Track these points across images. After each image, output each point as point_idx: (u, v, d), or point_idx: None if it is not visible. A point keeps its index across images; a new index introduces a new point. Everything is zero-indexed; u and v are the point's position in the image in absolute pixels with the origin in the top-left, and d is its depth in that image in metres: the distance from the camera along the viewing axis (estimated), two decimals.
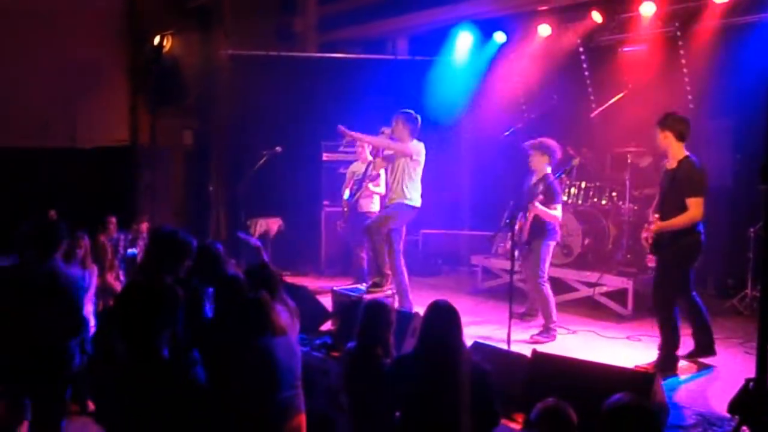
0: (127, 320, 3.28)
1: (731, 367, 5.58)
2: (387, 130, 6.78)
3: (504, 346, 5.54)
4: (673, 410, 4.62)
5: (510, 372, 4.72)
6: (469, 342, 4.44)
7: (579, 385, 4.27)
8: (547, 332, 6.42)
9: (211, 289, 4.24)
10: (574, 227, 7.78)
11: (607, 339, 6.52)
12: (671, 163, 5.48)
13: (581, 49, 9.28)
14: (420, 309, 5.81)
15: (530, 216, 6.43)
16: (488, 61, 10.12)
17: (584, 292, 7.59)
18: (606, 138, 8.58)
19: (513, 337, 5.80)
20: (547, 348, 5.82)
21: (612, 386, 3.45)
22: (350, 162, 8.66)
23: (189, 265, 4.26)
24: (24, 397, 4.38)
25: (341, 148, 9.80)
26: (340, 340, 5.66)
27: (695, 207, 5.26)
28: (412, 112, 6.75)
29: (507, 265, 6.88)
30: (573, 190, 8.41)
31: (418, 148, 6.65)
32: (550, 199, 6.42)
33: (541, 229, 6.49)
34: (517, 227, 6.40)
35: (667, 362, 5.43)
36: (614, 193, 8.20)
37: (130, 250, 7.94)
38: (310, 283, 8.45)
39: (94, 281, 6.19)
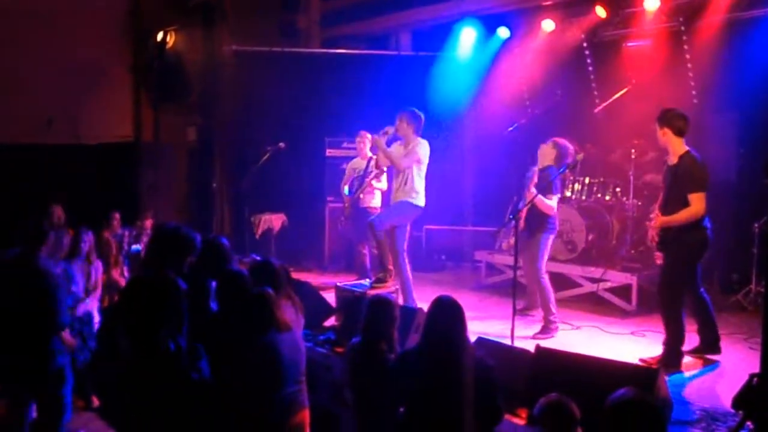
0: (130, 315, 3.28)
1: (735, 363, 5.57)
2: (390, 129, 6.76)
3: (507, 342, 5.54)
4: (677, 405, 4.61)
5: (513, 367, 4.72)
6: (472, 338, 4.44)
7: (583, 380, 4.26)
8: (548, 327, 6.41)
9: (213, 285, 4.25)
10: (577, 223, 7.77)
11: (611, 334, 6.51)
12: (672, 159, 5.47)
13: (585, 45, 9.26)
14: (424, 305, 5.83)
15: (525, 207, 6.41)
16: (492, 57, 10.09)
17: (588, 287, 7.58)
18: (610, 133, 8.55)
19: (516, 332, 5.79)
20: (551, 343, 5.81)
21: (616, 382, 3.45)
22: (354, 158, 8.65)
23: (192, 261, 4.26)
24: (25, 396, 4.37)
25: (344, 144, 9.82)
26: (344, 335, 5.67)
27: (697, 202, 5.25)
28: (415, 110, 6.75)
29: (510, 260, 6.90)
30: (577, 186, 8.39)
31: (425, 149, 6.66)
32: (546, 190, 6.40)
33: (541, 221, 6.48)
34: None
35: (671, 358, 5.42)
36: (618, 189, 8.19)
37: (134, 247, 7.95)
38: (313, 278, 8.44)
39: (100, 277, 6.19)
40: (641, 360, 5.47)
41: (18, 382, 4.26)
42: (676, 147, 5.42)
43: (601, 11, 8.67)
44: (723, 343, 5.71)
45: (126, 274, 7.53)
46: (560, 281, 7.61)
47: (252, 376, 3.76)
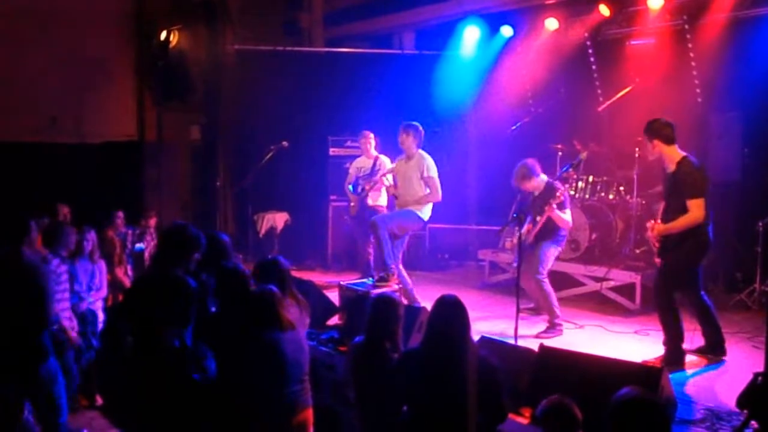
0: (137, 314, 3.28)
1: (739, 362, 5.56)
2: (370, 135, 6.91)
3: (511, 341, 5.54)
4: (681, 405, 4.61)
5: (517, 367, 4.72)
6: (476, 337, 4.44)
7: (586, 379, 4.26)
8: (553, 328, 6.41)
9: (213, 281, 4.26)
10: (581, 222, 7.75)
11: (614, 333, 6.51)
12: (670, 167, 5.47)
13: (588, 43, 9.24)
14: (427, 303, 5.83)
15: (542, 219, 6.40)
16: (495, 56, 10.09)
17: (592, 286, 7.58)
18: (613, 132, 8.54)
19: (520, 331, 5.79)
20: (555, 342, 5.81)
21: (620, 381, 3.44)
22: (357, 157, 8.65)
23: (198, 259, 4.28)
24: (17, 395, 4.32)
25: (348, 143, 9.82)
26: (347, 334, 5.67)
27: (696, 208, 5.25)
28: (417, 124, 6.91)
29: (514, 259, 6.87)
30: (580, 185, 8.38)
31: (433, 165, 6.83)
32: (560, 205, 6.40)
33: (550, 232, 6.48)
34: (524, 230, 6.40)
35: (674, 356, 5.42)
36: (622, 188, 8.18)
37: (137, 245, 7.96)
38: (316, 277, 8.44)
39: (104, 277, 6.20)
40: (645, 362, 5.45)
41: (8, 381, 4.21)
42: (672, 154, 5.43)
43: (604, 10, 8.66)
44: (727, 342, 5.70)
45: (130, 272, 7.55)
46: (564, 280, 7.61)
47: (255, 373, 3.76)
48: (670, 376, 4.63)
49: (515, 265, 6.43)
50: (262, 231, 9.64)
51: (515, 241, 6.37)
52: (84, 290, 5.93)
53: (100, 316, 5.99)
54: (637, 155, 7.76)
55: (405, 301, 6.65)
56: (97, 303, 6.04)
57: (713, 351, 5.66)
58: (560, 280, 7.47)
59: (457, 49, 10.22)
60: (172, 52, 10.22)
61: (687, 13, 8.17)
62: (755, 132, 7.79)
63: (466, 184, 10.42)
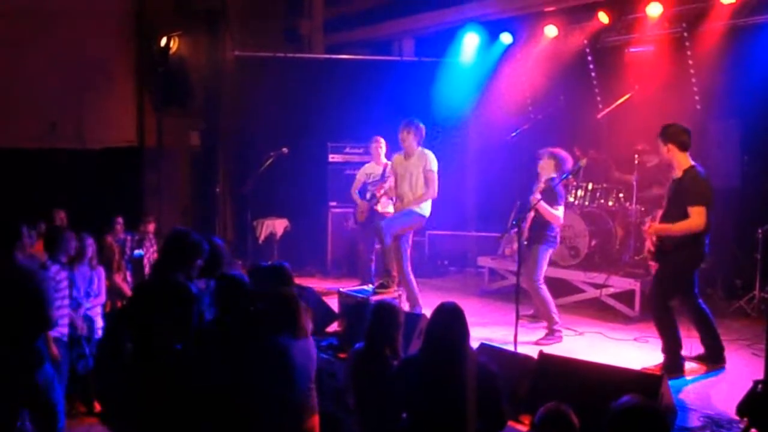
0: (138, 320, 3.28)
1: (739, 369, 5.55)
2: (381, 140, 6.86)
3: (511, 348, 5.53)
4: (680, 412, 4.60)
5: (517, 374, 4.72)
6: (475, 343, 4.44)
7: (586, 386, 4.26)
8: (552, 335, 6.40)
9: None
10: (580, 228, 7.76)
11: (614, 340, 6.50)
12: (677, 173, 5.48)
13: (588, 50, 9.27)
14: (427, 311, 5.82)
15: (530, 214, 6.40)
16: (495, 63, 10.12)
17: (591, 293, 7.57)
18: (613, 139, 8.56)
19: (520, 338, 5.78)
20: (554, 349, 5.81)
21: (619, 388, 3.44)
22: (357, 163, 8.66)
23: (200, 266, 4.28)
24: (13, 403, 4.29)
25: (347, 150, 9.84)
26: (347, 341, 5.66)
27: (696, 216, 5.24)
28: (418, 121, 6.80)
29: (514, 266, 6.88)
30: (580, 192, 8.39)
31: (435, 161, 6.72)
32: (552, 201, 6.39)
33: (541, 233, 6.47)
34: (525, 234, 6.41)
35: (673, 364, 5.42)
36: (621, 195, 8.18)
37: (137, 251, 7.96)
38: (316, 284, 8.45)
39: (103, 283, 6.19)
40: (644, 369, 5.45)
41: (4, 387, 4.19)
42: (681, 161, 5.42)
43: (603, 17, 8.68)
44: (726, 350, 5.70)
45: (129, 278, 7.54)
46: (563, 287, 7.61)
47: (261, 379, 3.76)
48: (670, 383, 4.63)
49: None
50: (262, 237, 9.64)
51: (515, 247, 6.37)
52: (82, 296, 5.91)
53: (99, 323, 5.98)
54: (636, 162, 7.77)
55: (408, 305, 6.66)
56: (95, 309, 6.03)
57: (713, 360, 5.65)
58: (560, 287, 7.47)
59: (457, 56, 10.24)
60: (172, 58, 10.24)
61: (686, 20, 8.20)
62: (754, 139, 7.81)
63: (465, 190, 10.43)
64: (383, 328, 4.16)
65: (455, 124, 9.96)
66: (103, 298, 6.13)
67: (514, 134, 8.48)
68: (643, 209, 7.78)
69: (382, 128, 8.49)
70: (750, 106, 7.70)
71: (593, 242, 7.80)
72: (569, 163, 6.67)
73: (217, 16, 10.99)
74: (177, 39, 10.20)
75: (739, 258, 7.66)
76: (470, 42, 10.08)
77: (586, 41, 9.22)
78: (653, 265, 5.67)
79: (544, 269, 6.59)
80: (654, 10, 8.15)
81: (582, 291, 7.66)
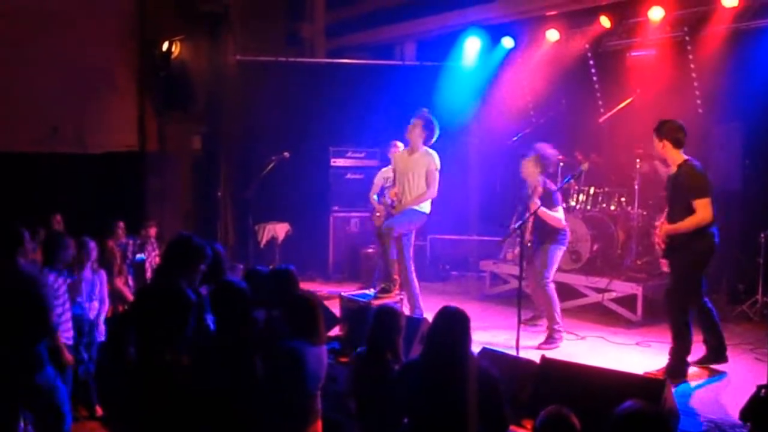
0: (139, 324, 3.28)
1: (742, 374, 5.54)
2: (399, 144, 6.75)
3: (513, 352, 5.52)
4: (683, 417, 4.59)
5: (519, 378, 4.70)
6: (477, 348, 4.42)
7: (588, 391, 4.25)
8: (552, 337, 6.39)
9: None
10: (582, 233, 7.75)
11: (616, 345, 6.49)
12: (672, 169, 5.51)
13: (589, 54, 9.27)
14: (428, 315, 5.81)
15: (530, 218, 6.37)
16: (496, 67, 10.12)
17: (593, 297, 7.56)
18: (614, 143, 8.55)
19: (522, 342, 5.78)
20: (556, 354, 5.79)
21: (622, 393, 3.43)
22: (359, 168, 8.65)
23: (203, 271, 4.29)
24: (15, 407, 4.28)
25: (349, 154, 9.84)
26: (348, 345, 5.66)
27: (702, 208, 5.24)
28: (433, 119, 6.60)
29: (515, 270, 6.86)
30: (581, 196, 8.38)
31: (438, 161, 6.59)
32: (549, 204, 6.38)
33: (551, 233, 6.45)
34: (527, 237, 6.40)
35: (677, 368, 5.39)
36: (623, 199, 8.18)
37: (138, 256, 7.95)
38: (317, 288, 8.44)
39: (105, 287, 6.18)
40: (647, 374, 5.43)
41: (4, 391, 4.18)
42: (675, 157, 5.44)
43: (605, 21, 8.69)
44: (729, 354, 5.68)
45: (131, 283, 7.54)
46: (565, 291, 7.59)
47: (274, 383, 3.77)
48: (673, 388, 4.61)
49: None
50: (263, 241, 9.63)
51: (517, 252, 6.35)
52: (84, 300, 5.91)
53: (101, 327, 5.97)
54: (638, 166, 7.77)
55: (408, 308, 6.64)
56: (97, 313, 6.02)
57: (715, 358, 5.63)
58: (562, 291, 7.43)
59: (459, 60, 10.25)
60: (174, 62, 10.25)
61: (688, 24, 8.20)
62: (756, 143, 7.80)
63: (467, 194, 10.43)
64: (384, 333, 4.16)
65: (457, 128, 9.95)
66: (106, 302, 6.11)
67: (515, 138, 8.47)
68: (645, 213, 7.77)
69: (383, 132, 8.50)
70: (752, 109, 7.69)
71: (595, 246, 7.79)
72: (552, 165, 6.62)
73: (219, 20, 11.00)
74: (179, 43, 10.21)
75: (741, 262, 7.64)
76: (472, 46, 10.09)
77: (587, 45, 9.22)
78: (664, 263, 5.64)
79: (554, 268, 6.57)
80: (656, 14, 8.15)
81: (584, 295, 7.65)
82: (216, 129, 11.06)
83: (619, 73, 8.86)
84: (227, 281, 4.26)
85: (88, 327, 5.79)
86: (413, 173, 6.61)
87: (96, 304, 5.97)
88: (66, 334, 5.25)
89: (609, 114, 8.37)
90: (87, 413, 5.65)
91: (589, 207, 8.29)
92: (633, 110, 8.18)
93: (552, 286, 6.49)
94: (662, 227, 5.52)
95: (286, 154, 8.30)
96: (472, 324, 3.77)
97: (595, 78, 9.30)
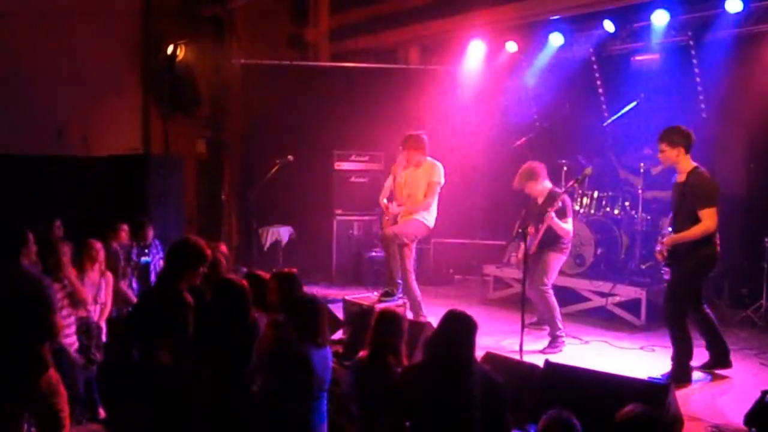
0: (142, 327, 3.29)
1: (746, 379, 5.53)
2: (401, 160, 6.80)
3: (516, 357, 5.51)
4: (687, 422, 4.57)
5: (522, 382, 4.69)
6: (481, 352, 4.42)
7: (592, 395, 4.24)
8: (555, 342, 6.37)
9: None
10: (586, 237, 7.74)
11: (620, 349, 6.47)
12: (681, 177, 5.46)
13: (594, 58, 9.27)
14: (431, 318, 5.81)
15: (543, 228, 6.37)
16: (500, 71, 10.12)
17: (597, 302, 7.55)
18: (619, 147, 8.55)
19: (525, 347, 5.76)
20: (560, 358, 5.78)
21: (626, 397, 3.42)
22: (363, 171, 8.64)
23: (204, 272, 4.30)
24: (17, 409, 4.28)
25: (353, 157, 9.84)
26: (352, 348, 5.64)
27: (708, 218, 5.23)
28: (418, 134, 6.73)
29: (519, 274, 6.86)
30: (585, 200, 8.37)
31: (441, 172, 6.64)
32: (561, 214, 6.37)
33: (554, 240, 6.44)
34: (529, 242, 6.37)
35: (681, 373, 5.38)
36: (627, 203, 8.17)
37: (143, 258, 7.96)
38: (321, 291, 8.44)
39: (110, 290, 6.18)
40: (651, 379, 5.42)
41: (7, 393, 4.17)
42: (685, 164, 5.41)
43: (609, 25, 8.69)
44: (733, 359, 5.67)
45: (134, 285, 7.54)
46: (569, 295, 7.58)
47: (282, 386, 3.78)
48: (676, 392, 4.60)
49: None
50: (267, 244, 9.63)
51: (520, 256, 6.34)
52: (90, 302, 5.91)
53: (104, 329, 5.98)
54: (642, 170, 7.76)
55: (411, 314, 6.64)
56: (101, 316, 6.03)
57: (719, 363, 5.62)
58: (565, 296, 7.44)
59: (462, 64, 10.25)
60: (178, 65, 10.28)
61: (691, 29, 8.21)
62: (760, 147, 7.79)
63: (470, 198, 10.41)
64: (386, 336, 4.16)
65: (461, 132, 9.96)
66: (108, 305, 6.12)
67: (519, 142, 8.47)
68: (649, 217, 7.76)
69: (387, 136, 8.50)
70: (756, 114, 7.69)
71: (599, 251, 7.78)
72: (544, 171, 6.61)
73: (223, 24, 11.05)
74: (183, 46, 10.24)
75: (745, 267, 7.64)
76: (476, 50, 10.09)
77: (591, 49, 9.22)
78: (667, 271, 5.64)
79: (554, 276, 6.57)
80: (660, 19, 8.16)
81: (588, 300, 7.64)
82: (220, 132, 11.09)
83: (623, 77, 8.86)
84: (227, 279, 4.28)
85: (96, 329, 5.80)
86: (416, 184, 6.71)
87: (100, 307, 5.98)
88: (69, 339, 5.26)
89: (613, 118, 8.36)
90: (89, 415, 5.65)
91: (593, 211, 8.28)
92: (637, 114, 8.17)
93: (551, 293, 6.49)
94: (667, 237, 5.51)
95: (290, 157, 8.30)
96: None
97: (599, 82, 9.30)
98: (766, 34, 7.78)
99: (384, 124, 9.35)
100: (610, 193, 8.30)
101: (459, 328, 3.71)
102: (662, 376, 5.44)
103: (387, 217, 7.64)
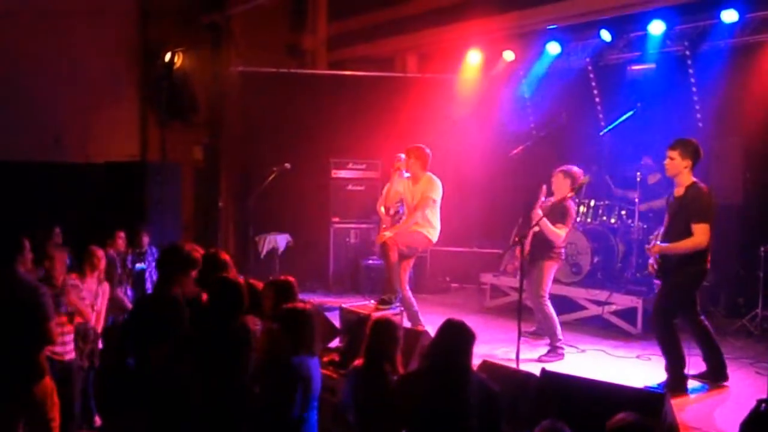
0: (137, 334, 3.29)
1: (742, 388, 5.52)
2: (400, 165, 6.78)
3: (513, 365, 5.50)
4: (683, 431, 4.57)
5: (519, 391, 4.68)
6: (477, 360, 4.42)
7: (588, 404, 4.23)
8: (554, 351, 6.37)
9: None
10: (583, 245, 7.76)
11: (616, 358, 6.47)
12: (679, 191, 5.44)
13: (590, 68, 9.31)
14: (429, 327, 5.80)
15: (532, 225, 6.35)
16: (497, 79, 10.15)
17: (593, 310, 7.56)
18: (615, 156, 8.57)
19: (522, 355, 5.75)
20: (556, 367, 5.78)
21: (622, 406, 3.41)
22: (360, 179, 8.65)
23: (195, 277, 4.30)
24: (12, 415, 4.27)
25: (350, 165, 9.85)
26: (348, 357, 5.63)
27: (700, 233, 5.22)
28: (422, 146, 6.71)
29: (516, 283, 6.86)
30: (582, 209, 8.39)
31: (438, 188, 6.62)
32: (559, 219, 6.37)
33: (545, 249, 6.44)
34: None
35: (676, 382, 5.39)
36: (623, 212, 8.18)
37: (138, 265, 7.95)
38: (318, 299, 8.42)
39: (106, 299, 6.17)
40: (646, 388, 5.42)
41: (2, 400, 4.16)
42: (686, 178, 5.40)
43: (606, 35, 8.73)
44: (729, 368, 5.67)
45: (129, 292, 7.54)
46: (565, 304, 7.58)
47: (274, 394, 3.77)
48: (673, 401, 4.60)
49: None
50: (264, 252, 9.63)
51: (517, 264, 6.34)
52: (88, 309, 5.89)
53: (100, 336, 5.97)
54: (638, 179, 7.78)
55: (409, 324, 6.62)
56: (99, 323, 6.02)
57: (716, 377, 5.62)
58: (562, 304, 7.44)
59: (460, 72, 10.28)
60: (176, 73, 10.30)
61: (688, 39, 8.25)
62: (756, 156, 7.82)
63: (467, 207, 10.42)
64: (381, 345, 4.16)
65: (458, 140, 9.98)
66: (103, 314, 6.09)
67: (516, 151, 8.49)
68: (645, 226, 7.78)
69: (384, 144, 8.52)
70: (752, 124, 7.72)
71: (595, 259, 7.79)
72: (578, 170, 6.61)
73: (221, 32, 11.07)
74: (181, 54, 10.26)
75: (741, 276, 7.65)
76: (473, 59, 10.12)
77: (588, 59, 9.27)
78: (658, 284, 5.65)
79: (549, 284, 6.57)
80: (656, 28, 8.19)
81: (584, 308, 7.65)
82: (217, 139, 11.10)
83: (619, 87, 8.90)
84: (222, 277, 4.28)
85: (93, 336, 5.78)
86: (414, 199, 6.68)
87: (96, 314, 5.97)
88: (67, 347, 5.24)
89: (610, 127, 8.39)
90: (85, 423, 5.63)
91: (589, 220, 8.30)
92: (634, 123, 8.20)
93: (549, 304, 6.48)
94: (655, 246, 5.52)
95: (287, 165, 8.31)
96: None
97: (595, 91, 9.34)
98: (762, 44, 7.82)
99: (381, 132, 9.37)
100: (606, 202, 8.32)
101: (457, 337, 3.71)
102: (658, 385, 5.44)
103: (384, 225, 7.64)
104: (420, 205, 6.61)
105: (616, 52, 9.09)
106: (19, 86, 9.26)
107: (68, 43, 9.73)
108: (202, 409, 3.70)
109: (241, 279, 4.93)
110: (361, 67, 10.97)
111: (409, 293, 6.74)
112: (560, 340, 6.42)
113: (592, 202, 8.37)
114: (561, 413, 3.43)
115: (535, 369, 5.06)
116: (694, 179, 5.40)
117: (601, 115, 9.17)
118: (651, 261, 5.63)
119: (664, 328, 5.46)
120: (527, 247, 6.40)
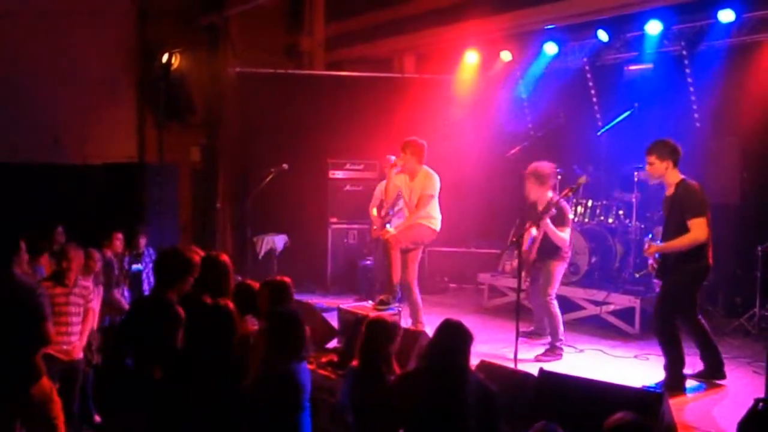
0: (135, 335, 3.30)
1: (740, 387, 5.53)
2: (398, 162, 6.76)
3: (511, 365, 5.51)
4: (681, 430, 4.57)
5: (517, 391, 4.69)
6: (475, 360, 4.42)
7: (586, 404, 4.24)
8: (553, 351, 6.38)
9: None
10: (581, 246, 7.76)
11: (614, 358, 6.48)
12: (669, 190, 5.49)
13: (587, 68, 9.32)
14: (427, 328, 5.81)
15: (539, 234, 6.39)
16: (494, 80, 10.16)
17: (591, 310, 7.56)
18: (612, 156, 8.58)
19: (520, 355, 5.77)
20: (555, 367, 5.78)
21: (620, 406, 3.42)
22: (358, 180, 8.64)
23: (193, 280, 4.30)
24: (10, 415, 4.27)
25: (348, 166, 9.85)
26: (346, 357, 5.64)
27: (697, 228, 5.24)
28: (417, 139, 6.69)
29: (514, 283, 6.88)
30: (579, 209, 8.40)
31: (435, 182, 6.62)
32: (559, 222, 6.39)
33: (554, 250, 6.46)
34: (525, 247, 6.38)
35: (675, 381, 5.40)
36: (621, 212, 8.19)
37: (134, 266, 7.95)
38: (316, 300, 8.42)
39: (98, 302, 6.16)
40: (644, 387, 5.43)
41: (1, 402, 4.16)
42: (674, 177, 5.45)
43: (603, 35, 8.73)
44: (726, 368, 5.68)
45: (126, 294, 7.53)
46: (563, 304, 7.55)
47: (266, 398, 3.76)
48: (670, 401, 4.61)
49: (526, 282, 6.43)
50: (262, 253, 9.63)
51: (515, 264, 6.35)
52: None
53: (97, 336, 5.96)
54: (636, 179, 7.79)
55: (411, 321, 6.63)
56: (95, 323, 6.01)
57: (713, 375, 5.63)
58: (560, 304, 7.41)
59: (457, 72, 10.28)
60: (173, 74, 10.29)
61: (685, 39, 8.26)
62: (753, 156, 7.83)
63: (465, 207, 10.42)
64: (376, 345, 4.17)
65: (455, 141, 9.98)
66: (97, 315, 6.07)
67: (514, 151, 8.50)
68: (643, 226, 7.78)
69: (382, 145, 8.50)
70: (749, 123, 7.73)
71: (593, 259, 7.80)
72: (553, 177, 6.62)
73: (218, 33, 11.07)
74: (179, 55, 10.25)
75: (739, 276, 7.66)
76: (471, 59, 10.13)
77: (585, 59, 9.28)
78: (658, 283, 5.65)
79: (557, 285, 6.59)
80: (653, 28, 8.20)
81: (582, 308, 7.65)
82: (215, 140, 11.10)
83: (616, 87, 8.91)
84: (212, 255, 4.29)
85: (90, 336, 5.78)
86: (415, 198, 6.68)
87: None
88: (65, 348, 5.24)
89: (607, 127, 8.40)
90: (84, 422, 5.63)
91: (587, 220, 8.30)
92: (631, 123, 8.21)
93: (555, 304, 6.51)
94: (651, 246, 5.52)
95: (285, 165, 8.30)
96: None
97: (593, 91, 9.35)
98: (759, 44, 7.83)
99: (379, 133, 9.37)
100: (604, 202, 8.33)
101: (455, 337, 3.71)
102: (656, 384, 5.45)
103: (375, 227, 7.63)
104: (420, 204, 6.62)
105: (613, 52, 9.10)
106: (18, 86, 9.26)
107: (67, 43, 9.73)
108: (202, 409, 3.69)
109: (239, 279, 4.95)
110: (359, 68, 10.97)
111: (417, 288, 6.72)
112: (561, 340, 6.43)
113: (590, 203, 8.37)
114: (559, 413, 3.45)
115: (533, 369, 5.07)
116: (682, 176, 5.43)
117: (598, 116, 9.18)
118: (651, 261, 5.63)
119: (664, 327, 5.46)
120: (533, 255, 6.41)
